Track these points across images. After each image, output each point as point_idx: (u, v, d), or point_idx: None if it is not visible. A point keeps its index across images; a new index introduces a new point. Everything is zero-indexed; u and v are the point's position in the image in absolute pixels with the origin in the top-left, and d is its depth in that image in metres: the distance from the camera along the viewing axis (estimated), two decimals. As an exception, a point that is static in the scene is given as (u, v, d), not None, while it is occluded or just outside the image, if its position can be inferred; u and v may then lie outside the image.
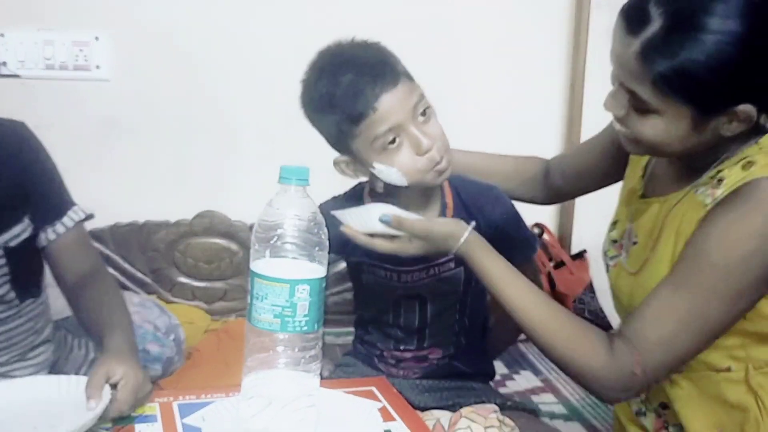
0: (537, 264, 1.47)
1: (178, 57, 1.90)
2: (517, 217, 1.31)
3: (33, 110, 1.86)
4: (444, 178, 1.19)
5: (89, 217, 1.27)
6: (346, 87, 1.12)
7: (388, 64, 1.15)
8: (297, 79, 1.93)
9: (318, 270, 0.92)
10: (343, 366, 1.37)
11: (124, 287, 1.85)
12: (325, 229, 0.94)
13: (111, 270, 1.85)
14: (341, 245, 1.16)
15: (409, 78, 1.17)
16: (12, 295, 1.19)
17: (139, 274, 1.90)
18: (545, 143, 2.13)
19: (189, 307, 1.89)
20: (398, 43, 1.41)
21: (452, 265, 1.28)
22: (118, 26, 1.88)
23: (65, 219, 1.22)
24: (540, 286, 1.34)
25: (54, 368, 1.33)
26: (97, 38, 1.87)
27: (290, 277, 0.90)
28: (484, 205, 1.26)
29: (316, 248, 0.92)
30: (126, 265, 1.88)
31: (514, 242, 1.27)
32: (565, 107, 2.12)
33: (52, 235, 1.21)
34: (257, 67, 1.93)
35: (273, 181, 2.00)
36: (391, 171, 1.16)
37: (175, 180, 1.93)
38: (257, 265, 0.91)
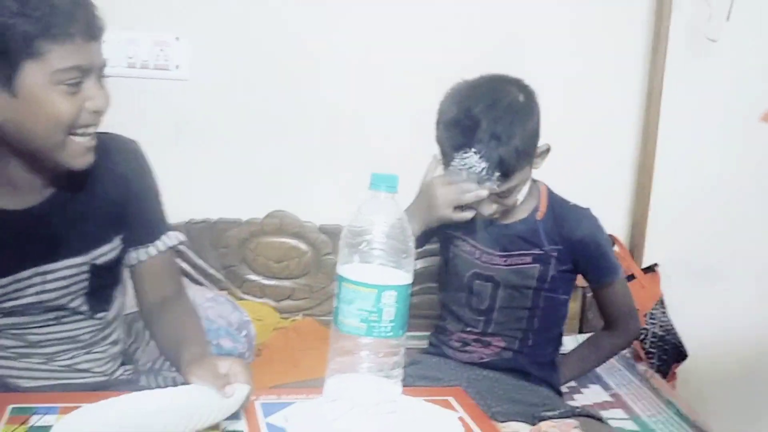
0: (625, 287, 1.54)
1: (255, 58, 1.93)
2: (600, 241, 1.45)
3: (115, 108, 1.91)
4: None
5: (182, 242, 1.29)
6: (451, 128, 1.34)
7: (499, 165, 1.30)
8: (369, 83, 1.96)
9: (404, 277, 0.93)
10: (410, 365, 1.40)
11: (197, 282, 1.89)
12: (412, 237, 0.95)
13: (184, 265, 1.90)
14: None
15: (512, 173, 1.33)
16: (86, 307, 1.20)
17: (211, 270, 1.93)
18: (618, 157, 2.09)
19: (258, 304, 1.92)
20: (471, 61, 1.44)
21: (529, 259, 1.37)
22: (198, 27, 1.91)
23: (158, 243, 1.22)
24: (632, 306, 1.53)
25: (132, 359, 1.36)
26: (177, 38, 1.92)
27: (378, 283, 0.90)
28: (569, 220, 1.40)
29: (403, 255, 0.93)
30: (199, 261, 1.92)
31: (595, 263, 1.38)
32: (641, 119, 2.08)
33: (143, 256, 1.21)
34: (333, 70, 1.95)
35: (342, 184, 2.04)
36: None
37: (249, 179, 1.96)
38: (345, 270, 0.92)
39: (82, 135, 1.06)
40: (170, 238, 1.24)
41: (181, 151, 1.91)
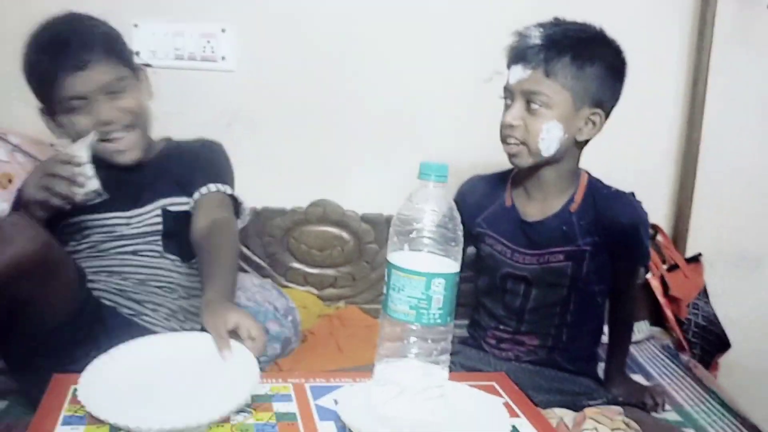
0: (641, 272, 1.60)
1: (299, 50, 1.96)
2: (641, 229, 1.43)
3: (162, 99, 1.94)
4: (514, 163, 1.39)
5: (234, 197, 1.44)
6: (515, 42, 1.36)
7: (548, 49, 1.31)
8: (412, 72, 1.97)
9: (453, 265, 0.94)
10: (452, 354, 1.41)
11: (242, 270, 1.93)
12: (461, 226, 0.96)
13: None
14: (472, 215, 1.44)
15: (552, 74, 1.31)
16: (171, 251, 1.41)
17: (256, 258, 1.97)
18: (662, 145, 2.08)
19: (302, 292, 1.95)
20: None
21: (561, 257, 1.35)
22: (244, 18, 1.95)
23: (215, 185, 1.40)
24: (634, 297, 1.54)
25: None
26: (223, 30, 1.95)
27: (427, 271, 0.92)
28: (613, 207, 1.35)
29: (452, 243, 0.95)
30: (244, 249, 1.96)
31: (628, 250, 1.36)
32: (686, 107, 2.06)
33: (203, 191, 1.39)
34: (373, 60, 1.97)
35: (384, 173, 2.06)
36: None
37: (292, 169, 1.99)
38: (395, 257, 0.94)
39: (110, 141, 1.35)
40: (226, 188, 1.42)
41: (227, 140, 1.93)
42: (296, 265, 1.99)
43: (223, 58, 1.96)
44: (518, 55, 1.33)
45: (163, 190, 1.42)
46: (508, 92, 1.36)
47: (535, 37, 1.32)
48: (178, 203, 1.42)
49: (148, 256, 1.40)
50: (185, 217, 1.39)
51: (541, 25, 1.34)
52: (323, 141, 1.99)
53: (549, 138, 1.33)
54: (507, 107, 1.36)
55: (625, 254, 1.42)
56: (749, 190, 2.09)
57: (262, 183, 1.99)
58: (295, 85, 1.96)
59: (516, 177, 1.45)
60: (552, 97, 1.31)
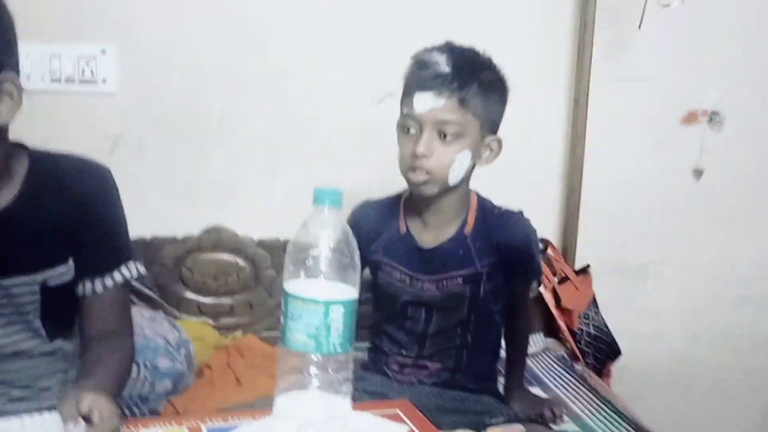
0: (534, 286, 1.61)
1: (185, 71, 1.90)
2: (532, 245, 1.46)
3: (39, 124, 1.83)
4: (419, 192, 1.35)
5: (141, 275, 1.23)
6: (419, 68, 1.32)
7: (460, 77, 1.29)
8: (304, 93, 1.95)
9: (351, 291, 0.93)
10: (355, 381, 1.39)
11: (131, 303, 1.83)
12: (357, 251, 0.94)
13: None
14: (367, 242, 1.36)
15: (465, 103, 1.29)
16: (42, 331, 1.14)
17: (145, 290, 1.88)
18: (548, 162, 2.15)
19: (197, 323, 1.87)
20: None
21: (460, 281, 1.37)
22: (125, 40, 1.87)
23: (115, 274, 1.17)
24: (529, 311, 1.59)
25: None
26: (103, 51, 1.87)
27: (325, 298, 0.90)
28: (505, 227, 1.38)
29: (349, 269, 0.93)
30: (133, 282, 1.86)
31: (521, 267, 1.39)
32: (569, 124, 2.14)
33: (99, 288, 1.15)
34: (264, 81, 1.94)
35: (279, 196, 2.02)
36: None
37: (182, 195, 1.92)
38: (291, 286, 0.91)
39: None
40: (129, 270, 1.19)
41: (111, 167, 1.83)
42: (190, 295, 1.91)
43: (103, 80, 1.88)
44: (427, 83, 1.28)
45: (47, 252, 1.13)
46: (413, 120, 1.31)
47: (443, 65, 1.28)
48: (55, 275, 1.14)
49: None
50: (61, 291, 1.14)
51: (439, 50, 1.31)
52: (214, 165, 1.93)
53: (459, 168, 1.32)
54: (408, 135, 1.32)
55: (519, 272, 1.45)
56: (630, 202, 2.19)
57: (151, 210, 1.90)
58: (180, 107, 1.90)
59: (409, 204, 1.43)
60: (465, 126, 1.30)
